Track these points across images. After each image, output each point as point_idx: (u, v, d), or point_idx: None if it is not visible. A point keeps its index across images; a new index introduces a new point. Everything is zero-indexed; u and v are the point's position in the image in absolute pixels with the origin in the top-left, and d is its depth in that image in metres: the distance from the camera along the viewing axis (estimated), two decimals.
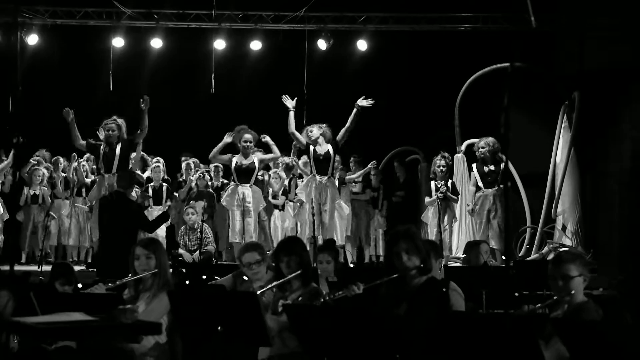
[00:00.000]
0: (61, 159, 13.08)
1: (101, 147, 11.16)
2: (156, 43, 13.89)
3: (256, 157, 11.47)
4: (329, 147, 11.38)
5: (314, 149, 11.27)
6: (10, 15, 12.97)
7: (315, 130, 11.35)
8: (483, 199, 11.74)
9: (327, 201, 11.34)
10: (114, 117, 11.28)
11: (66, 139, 13.69)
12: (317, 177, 11.27)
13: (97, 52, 14.23)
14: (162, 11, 13.71)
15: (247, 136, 11.44)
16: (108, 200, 9.97)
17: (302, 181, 11.69)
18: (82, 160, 12.81)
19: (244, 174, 11.38)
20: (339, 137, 11.32)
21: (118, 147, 11.12)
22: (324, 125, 11.48)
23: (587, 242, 12.34)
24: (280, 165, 12.47)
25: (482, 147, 11.71)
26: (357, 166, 12.86)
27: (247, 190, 11.33)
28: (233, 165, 11.43)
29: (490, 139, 11.67)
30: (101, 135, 11.26)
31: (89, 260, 12.33)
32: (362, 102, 11.24)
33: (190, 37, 14.14)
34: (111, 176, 10.78)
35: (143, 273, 5.73)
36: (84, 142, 11.25)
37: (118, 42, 13.82)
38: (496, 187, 11.61)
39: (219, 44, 13.92)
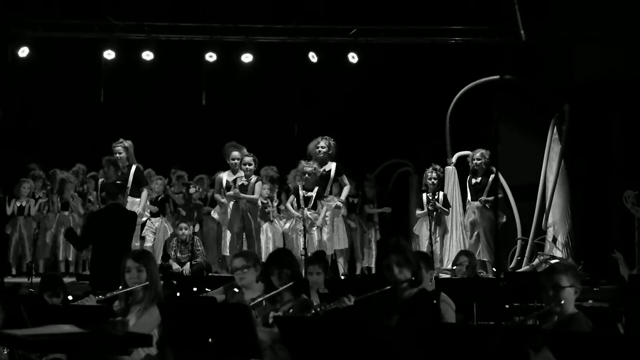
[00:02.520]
0: (58, 171, 13.06)
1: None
2: (147, 55, 13.89)
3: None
4: (332, 166, 11.44)
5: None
6: (1, 28, 12.98)
7: (326, 148, 11.41)
8: (471, 211, 11.83)
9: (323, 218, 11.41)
10: (120, 140, 11.47)
11: (57, 152, 13.76)
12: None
13: (88, 64, 14.21)
14: (153, 23, 13.72)
15: (235, 154, 11.51)
16: (102, 212, 9.95)
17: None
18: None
19: (244, 191, 11.45)
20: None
21: (132, 169, 11.39)
22: (331, 139, 11.53)
23: (577, 254, 12.36)
24: (264, 178, 12.41)
25: (478, 159, 11.75)
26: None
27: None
28: (224, 183, 11.47)
29: (485, 151, 11.73)
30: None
31: (80, 272, 12.30)
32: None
33: (182, 49, 14.14)
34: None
35: (134, 286, 5.71)
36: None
37: (109, 54, 13.80)
38: (480, 199, 11.68)
39: (210, 57, 13.92)
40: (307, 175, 11.37)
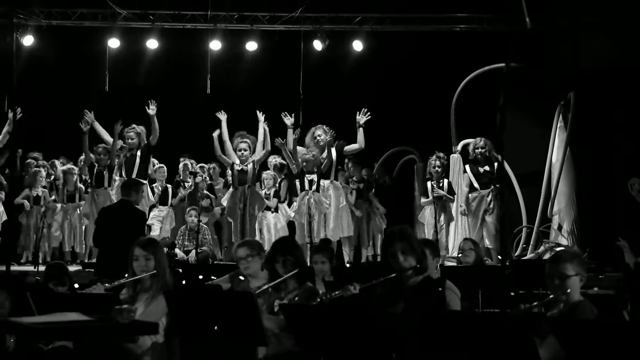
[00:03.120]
0: (57, 162, 13.09)
1: (121, 154, 11.62)
2: (152, 44, 13.88)
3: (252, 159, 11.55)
4: (333, 152, 11.47)
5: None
6: (5, 17, 12.98)
7: (323, 135, 11.42)
8: (479, 199, 11.78)
9: (330, 204, 11.41)
10: (133, 126, 11.55)
11: (61, 141, 13.76)
12: (323, 183, 11.40)
13: (92, 53, 14.21)
14: (157, 12, 13.70)
15: (242, 145, 11.51)
16: (112, 207, 9.94)
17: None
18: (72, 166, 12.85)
19: (243, 177, 11.45)
20: (347, 149, 11.49)
21: (138, 153, 11.54)
22: (328, 128, 11.55)
23: (583, 241, 12.35)
24: (270, 165, 12.44)
25: (482, 147, 11.72)
26: (355, 167, 12.83)
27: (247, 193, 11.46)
28: (233, 168, 11.52)
29: (486, 140, 11.70)
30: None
31: (85, 261, 12.31)
32: (362, 118, 11.28)
33: (186, 38, 14.12)
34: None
35: (142, 274, 5.71)
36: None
37: (114, 43, 13.80)
38: (492, 187, 11.66)
39: (215, 45, 13.92)
40: (305, 163, 11.42)
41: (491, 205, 11.68)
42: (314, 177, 11.41)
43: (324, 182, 11.47)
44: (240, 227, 11.46)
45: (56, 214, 12.67)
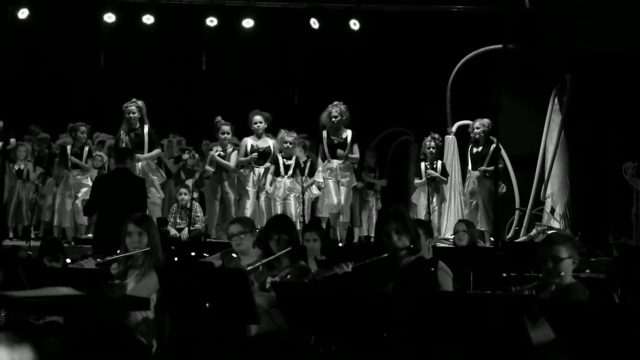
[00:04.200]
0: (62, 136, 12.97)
1: (122, 135, 11.19)
2: (148, 19, 13.80)
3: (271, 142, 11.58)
4: (348, 133, 11.43)
5: (328, 135, 11.32)
6: None
7: (339, 117, 11.35)
8: (471, 180, 11.81)
9: (344, 184, 11.46)
10: (134, 99, 11.26)
11: (55, 115, 13.70)
12: (334, 163, 11.40)
13: (88, 27, 14.12)
14: None
15: (257, 117, 11.47)
16: (108, 176, 9.86)
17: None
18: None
19: (261, 156, 11.50)
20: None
21: (145, 129, 11.17)
22: (344, 106, 11.48)
23: (575, 225, 12.38)
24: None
25: (477, 128, 11.71)
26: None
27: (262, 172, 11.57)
28: (249, 147, 11.48)
29: (485, 120, 11.65)
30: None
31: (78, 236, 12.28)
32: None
33: (182, 13, 14.05)
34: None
35: (134, 250, 5.67)
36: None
37: (109, 17, 13.72)
38: (479, 168, 11.64)
39: (211, 21, 13.85)
40: (287, 145, 11.41)
41: (480, 188, 11.67)
42: (292, 162, 11.44)
43: (338, 164, 11.44)
44: (222, 211, 11.59)
45: (52, 188, 12.61)
